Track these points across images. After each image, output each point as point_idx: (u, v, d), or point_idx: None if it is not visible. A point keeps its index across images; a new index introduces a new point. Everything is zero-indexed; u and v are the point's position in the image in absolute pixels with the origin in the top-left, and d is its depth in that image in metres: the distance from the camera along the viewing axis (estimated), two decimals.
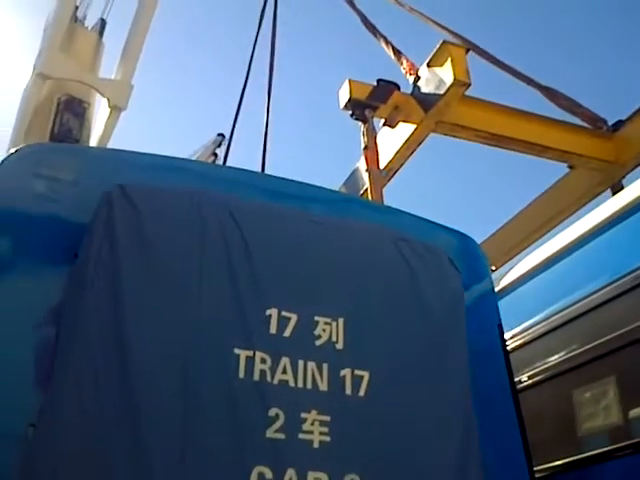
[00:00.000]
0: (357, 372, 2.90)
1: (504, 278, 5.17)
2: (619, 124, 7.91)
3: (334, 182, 9.49)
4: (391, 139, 8.10)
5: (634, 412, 3.82)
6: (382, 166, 7.83)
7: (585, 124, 8.14)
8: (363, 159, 7.90)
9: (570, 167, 8.36)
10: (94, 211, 2.85)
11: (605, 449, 3.84)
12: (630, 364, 3.89)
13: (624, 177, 7.97)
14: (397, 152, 7.98)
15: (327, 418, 2.76)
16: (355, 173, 8.71)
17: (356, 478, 2.68)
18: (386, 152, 7.99)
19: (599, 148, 7.82)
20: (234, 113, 8.83)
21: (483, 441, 2.97)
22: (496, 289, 5.23)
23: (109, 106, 13.26)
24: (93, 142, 13.10)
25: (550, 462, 4.15)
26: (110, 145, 12.72)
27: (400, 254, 3.26)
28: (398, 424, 2.85)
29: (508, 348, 4.70)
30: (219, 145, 16.07)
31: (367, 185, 7.60)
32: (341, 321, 2.99)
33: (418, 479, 2.78)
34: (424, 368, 3.02)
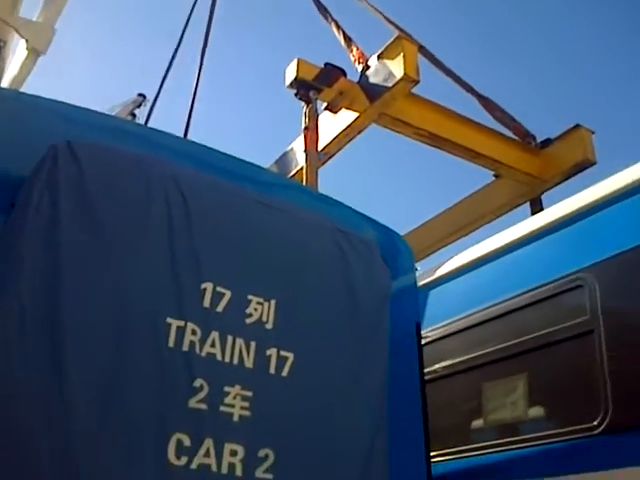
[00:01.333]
0: (282, 353, 3.00)
1: (427, 274, 5.44)
2: (547, 142, 8.32)
3: (258, 159, 9.47)
4: (331, 124, 8.17)
5: (537, 409, 4.18)
6: (319, 148, 7.90)
7: (516, 137, 8.50)
8: (300, 139, 7.95)
9: (496, 176, 8.72)
10: (37, 163, 2.78)
11: (507, 440, 4.16)
12: (537, 365, 4.24)
13: (544, 192, 8.43)
14: (336, 137, 8.06)
15: (249, 394, 2.85)
16: (290, 152, 8.75)
17: (270, 453, 2.80)
18: (325, 136, 8.06)
19: (526, 162, 8.20)
20: (161, 76, 8.71)
21: (395, 428, 3.16)
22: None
23: (27, 48, 12.51)
24: (5, 83, 12.36)
25: (454, 449, 4.49)
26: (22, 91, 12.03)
27: (337, 245, 3.36)
28: (316, 407, 2.98)
29: (429, 339, 5.00)
30: (139, 106, 15.64)
31: (302, 166, 7.66)
32: (273, 302, 3.07)
33: (327, 462, 2.92)
34: (347, 357, 3.15)
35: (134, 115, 15.53)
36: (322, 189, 7.04)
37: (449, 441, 4.61)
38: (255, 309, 3.03)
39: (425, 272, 5.59)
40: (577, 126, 8.03)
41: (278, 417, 2.90)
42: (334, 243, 3.37)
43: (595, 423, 3.61)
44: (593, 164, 7.87)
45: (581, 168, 7.92)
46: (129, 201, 2.91)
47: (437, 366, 4.92)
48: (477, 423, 4.55)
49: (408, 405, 3.52)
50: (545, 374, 4.24)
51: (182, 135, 7.21)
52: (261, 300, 3.05)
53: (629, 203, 4.01)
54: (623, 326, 3.77)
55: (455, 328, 4.89)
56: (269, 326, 3.03)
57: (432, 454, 4.50)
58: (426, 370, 4.96)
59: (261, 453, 2.80)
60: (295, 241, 3.28)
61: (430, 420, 4.91)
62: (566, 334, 4.05)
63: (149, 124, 8.83)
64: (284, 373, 2.97)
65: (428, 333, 5.08)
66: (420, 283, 5.44)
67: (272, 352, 2.99)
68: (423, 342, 5.08)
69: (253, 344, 2.95)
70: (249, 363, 2.91)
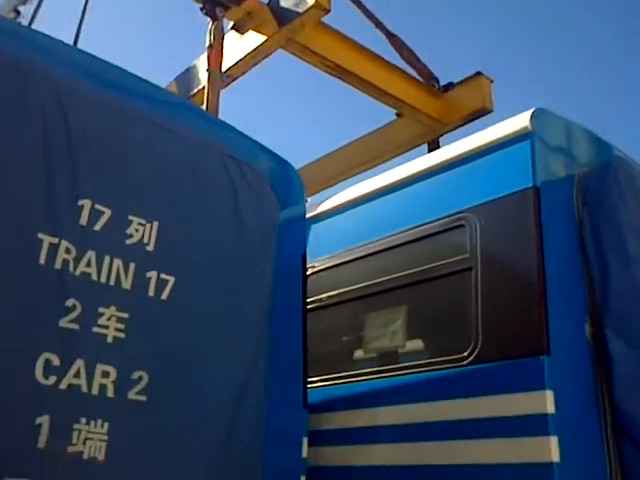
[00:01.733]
0: (163, 276, 2.96)
1: (319, 206, 5.50)
2: (449, 86, 8.44)
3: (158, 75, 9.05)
4: (237, 45, 7.89)
5: (414, 340, 4.41)
6: (223, 70, 7.64)
7: (420, 79, 8.56)
8: (203, 58, 7.66)
9: (398, 115, 8.80)
10: None
11: (384, 367, 4.38)
12: (416, 298, 4.45)
13: (442, 135, 8.62)
14: (241, 59, 7.81)
15: (125, 315, 2.81)
16: (192, 70, 8.43)
17: (144, 375, 2.78)
18: (230, 57, 7.79)
19: (428, 104, 8.31)
20: None
21: (274, 354, 3.24)
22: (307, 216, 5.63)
23: None
24: None
25: (335, 376, 4.64)
26: None
27: (226, 170, 3.30)
28: (195, 331, 2.99)
29: (317, 269, 5.14)
30: (24, 2, 14.36)
31: (203, 85, 7.40)
32: (156, 224, 3.00)
33: (203, 385, 2.95)
34: (230, 284, 3.16)
35: (18, 12, 14.22)
36: (223, 112, 6.88)
37: (331, 368, 4.77)
38: (136, 230, 2.95)
39: (315, 204, 5.65)
40: (478, 73, 8.17)
41: (155, 340, 2.88)
42: (223, 168, 3.31)
43: (465, 354, 3.85)
44: (490, 112, 8.09)
45: (479, 115, 8.11)
46: (3, 108, 2.70)
47: (323, 296, 5.04)
48: (358, 351, 4.74)
49: (289, 333, 3.58)
50: (423, 307, 4.46)
51: (71, 43, 6.70)
52: (143, 221, 2.98)
53: (512, 150, 4.18)
54: (498, 265, 3.98)
55: (343, 259, 5.01)
56: (150, 248, 2.97)
57: (314, 380, 4.65)
58: (312, 299, 5.13)
59: (135, 375, 2.78)
60: (183, 163, 3.20)
61: (314, 348, 5.10)
62: (446, 270, 4.24)
63: (34, 25, 8.13)
64: (163, 296, 2.94)
65: (316, 263, 5.21)
66: (310, 214, 5.52)
67: (152, 275, 2.94)
68: (310, 272, 5.23)
69: (132, 266, 2.89)
70: (127, 285, 2.86)
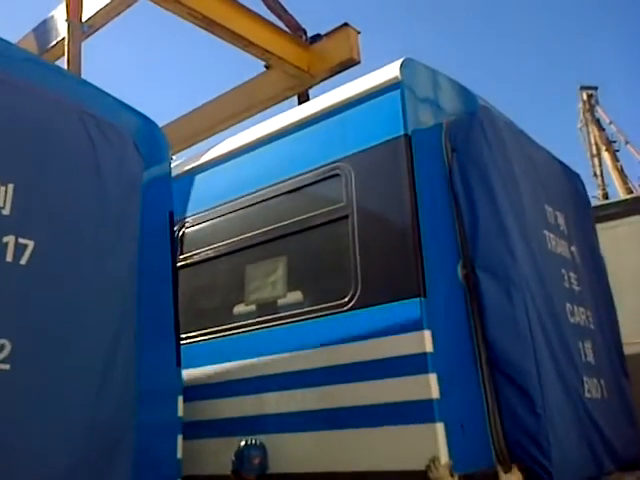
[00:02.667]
0: (21, 240, 2.75)
1: (194, 161, 5.33)
2: (316, 38, 8.37)
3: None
4: None
5: (294, 290, 4.39)
6: (84, 20, 7.10)
7: (287, 30, 8.43)
8: (62, 7, 7.11)
9: (267, 67, 8.65)
10: None
11: (268, 318, 4.36)
12: (295, 248, 4.45)
13: (311, 87, 8.58)
14: (102, 9, 7.30)
15: None
16: (50, 21, 7.88)
17: (6, 343, 2.60)
18: (90, 6, 7.25)
19: (297, 55, 8.22)
20: None
21: (144, 315, 3.14)
22: (176, 173, 5.43)
23: None
24: None
25: (217, 329, 4.62)
26: None
27: (84, 128, 3.11)
28: (57, 296, 2.83)
29: (193, 224, 5.05)
30: None
31: (63, 37, 6.88)
32: (11, 187, 2.76)
33: (69, 350, 2.81)
34: (92, 245, 3.01)
35: None
36: (86, 65, 6.44)
37: (213, 321, 4.71)
38: None
39: (189, 159, 5.46)
40: (345, 25, 8.16)
41: (15, 307, 2.67)
42: (81, 126, 3.11)
43: (346, 300, 3.90)
44: (357, 63, 8.12)
45: (347, 66, 8.13)
46: None
47: (202, 250, 4.94)
48: (240, 304, 4.67)
49: (159, 293, 3.53)
50: (302, 257, 4.47)
51: None
52: None
53: (382, 100, 4.21)
54: (374, 212, 4.03)
55: (220, 213, 4.91)
56: (6, 212, 2.73)
57: (197, 334, 4.65)
58: (190, 254, 4.99)
59: None
60: (36, 122, 2.95)
61: (195, 302, 5.00)
62: (323, 219, 4.26)
63: None
64: (22, 262, 2.72)
65: (193, 218, 5.04)
66: (185, 169, 5.33)
67: (9, 239, 2.71)
68: (188, 227, 5.08)
69: None
70: None
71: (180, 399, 3.47)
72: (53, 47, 7.70)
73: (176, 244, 5.04)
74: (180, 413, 3.46)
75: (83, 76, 6.40)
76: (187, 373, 4.56)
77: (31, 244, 2.75)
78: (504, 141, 4.40)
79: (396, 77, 4.12)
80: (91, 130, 3.14)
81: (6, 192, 2.73)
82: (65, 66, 6.43)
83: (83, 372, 2.82)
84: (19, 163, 2.84)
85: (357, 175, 4.12)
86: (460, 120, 4.36)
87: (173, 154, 9.84)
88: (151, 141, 3.70)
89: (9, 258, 2.68)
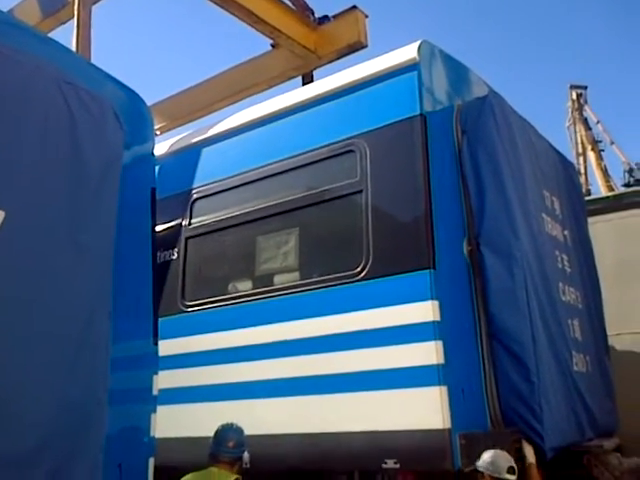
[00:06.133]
0: None
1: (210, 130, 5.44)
2: (324, 19, 8.46)
3: None
4: None
5: (309, 260, 4.59)
6: None
7: (295, 9, 8.50)
8: None
9: (273, 46, 8.73)
10: None
11: (284, 285, 4.53)
12: (310, 220, 4.63)
13: (316, 68, 8.70)
14: None
15: None
16: None
17: None
18: None
19: (304, 35, 8.30)
20: None
21: (121, 290, 3.03)
22: (184, 145, 5.55)
23: None
24: None
25: (231, 297, 4.78)
26: None
27: (62, 97, 2.93)
28: (30, 270, 2.68)
29: (207, 193, 5.15)
30: None
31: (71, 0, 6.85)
32: None
33: (42, 325, 2.68)
34: (67, 218, 2.86)
35: None
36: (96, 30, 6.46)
37: (228, 289, 4.88)
38: None
39: (204, 128, 5.58)
40: (354, 7, 8.27)
41: None
42: (60, 95, 2.93)
43: (357, 271, 4.10)
44: (365, 46, 8.25)
45: (354, 49, 8.24)
46: None
47: (217, 219, 5.06)
48: (252, 273, 4.85)
49: (137, 268, 3.43)
50: (316, 229, 4.65)
51: None
52: None
53: (400, 80, 4.39)
54: (387, 187, 4.22)
55: (236, 183, 5.02)
56: None
57: (213, 300, 4.81)
58: (205, 222, 5.13)
59: None
60: (11, 87, 2.77)
61: (208, 270, 5.14)
62: (337, 193, 4.43)
63: None
64: None
65: (205, 188, 5.19)
66: (200, 139, 5.46)
67: None
68: (201, 196, 5.21)
69: None
70: None
71: (155, 378, 3.36)
72: (59, 11, 7.61)
73: (186, 213, 5.21)
74: (155, 392, 3.36)
75: (92, 43, 6.41)
76: (198, 339, 4.76)
77: (1, 214, 2.58)
78: (511, 126, 4.63)
79: (414, 58, 4.30)
80: (70, 99, 2.96)
81: None
82: (74, 32, 6.42)
83: (56, 345, 2.69)
84: None
85: (372, 151, 4.31)
86: (471, 104, 4.58)
87: (172, 128, 9.94)
88: (134, 115, 3.56)
89: None
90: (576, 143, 34.97)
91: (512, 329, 4.05)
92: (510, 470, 3.44)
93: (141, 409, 3.28)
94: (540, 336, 4.15)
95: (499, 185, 4.27)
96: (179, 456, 4.24)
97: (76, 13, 6.41)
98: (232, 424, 3.76)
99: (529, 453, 3.86)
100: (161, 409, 3.29)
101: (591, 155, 34.07)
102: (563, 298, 4.83)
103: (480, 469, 3.47)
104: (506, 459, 3.49)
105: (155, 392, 3.35)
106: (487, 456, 3.49)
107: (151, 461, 3.22)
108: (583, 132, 34.80)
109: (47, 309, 2.68)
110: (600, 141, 34.84)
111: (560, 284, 4.84)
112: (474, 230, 4.24)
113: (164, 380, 3.41)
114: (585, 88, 35.57)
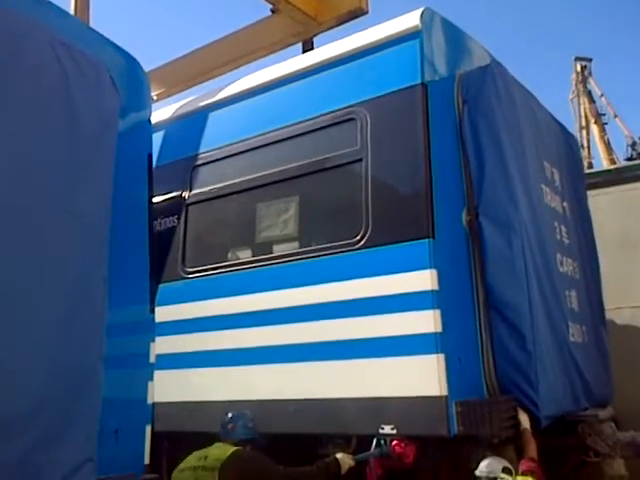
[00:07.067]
0: None
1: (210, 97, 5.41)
2: None
3: None
4: None
5: (308, 228, 4.61)
6: None
7: None
8: None
9: (273, 11, 8.60)
10: None
11: (284, 253, 4.55)
12: (309, 188, 4.62)
13: (316, 35, 8.58)
14: None
15: None
16: None
17: None
18: None
19: (305, 1, 8.19)
20: None
21: (117, 255, 2.99)
22: (183, 112, 5.50)
23: None
24: None
25: (232, 263, 4.80)
26: None
27: (56, 58, 2.85)
28: (22, 238, 2.62)
29: (204, 161, 5.13)
30: None
31: None
32: None
33: (36, 293, 2.64)
34: (61, 184, 2.80)
35: None
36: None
37: (229, 256, 4.90)
38: None
39: (207, 94, 5.53)
40: None
41: None
42: (54, 56, 2.86)
43: (357, 239, 4.11)
44: (365, 13, 8.12)
45: (354, 15, 8.11)
46: None
47: (216, 186, 5.05)
48: (252, 241, 4.86)
49: (134, 234, 3.42)
50: (317, 197, 4.64)
51: None
52: None
53: (401, 48, 4.34)
54: (387, 156, 4.20)
55: (237, 150, 4.99)
56: None
57: (214, 267, 4.82)
58: (204, 190, 5.12)
59: None
60: (3, 48, 2.68)
61: (210, 236, 5.15)
62: (337, 161, 4.42)
63: None
64: None
65: (205, 155, 5.16)
66: (201, 104, 5.42)
67: None
68: (202, 163, 5.19)
69: None
70: None
71: (152, 344, 3.35)
72: None
73: (187, 180, 5.19)
74: (152, 358, 3.35)
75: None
76: (198, 305, 4.78)
77: None
78: (513, 96, 4.58)
79: (416, 26, 4.25)
80: (64, 60, 2.89)
81: None
82: None
83: (50, 310, 2.65)
84: None
85: (372, 120, 4.28)
86: (472, 73, 4.53)
87: (170, 95, 9.85)
88: (131, 79, 3.53)
89: None
90: (579, 116, 34.73)
91: (510, 299, 4.06)
92: (505, 470, 3.48)
93: (138, 375, 3.29)
94: (537, 306, 4.16)
95: (499, 155, 4.25)
96: (176, 422, 4.30)
97: None
98: (241, 411, 3.86)
99: (524, 420, 3.90)
100: (159, 374, 3.33)
101: (594, 128, 33.89)
102: (561, 269, 4.85)
103: (478, 475, 3.50)
104: (501, 461, 3.53)
105: (152, 359, 3.36)
106: (483, 464, 3.53)
107: (148, 428, 3.24)
108: (587, 105, 34.57)
109: (41, 274, 2.64)
110: (604, 114, 34.65)
111: (558, 255, 4.85)
112: (473, 200, 4.23)
113: (162, 345, 3.43)
114: (590, 60, 35.21)
